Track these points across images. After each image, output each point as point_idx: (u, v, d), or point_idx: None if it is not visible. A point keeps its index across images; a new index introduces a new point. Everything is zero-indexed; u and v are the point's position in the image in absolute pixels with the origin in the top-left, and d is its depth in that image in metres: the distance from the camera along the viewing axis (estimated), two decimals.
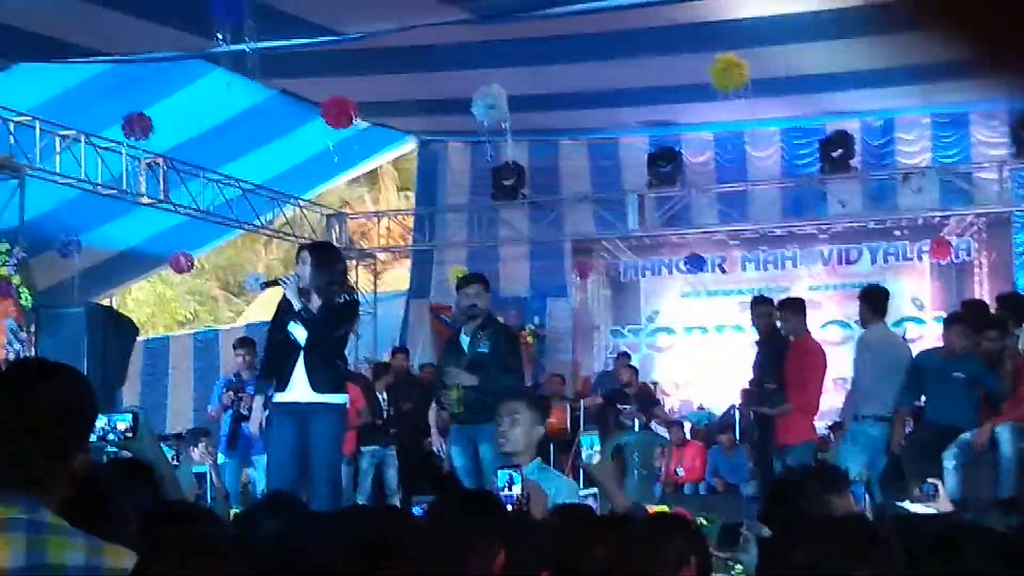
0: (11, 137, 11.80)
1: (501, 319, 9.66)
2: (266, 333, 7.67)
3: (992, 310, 9.67)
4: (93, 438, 3.60)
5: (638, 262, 17.30)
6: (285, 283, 7.42)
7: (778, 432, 9.51)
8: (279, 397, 7.29)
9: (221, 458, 10.82)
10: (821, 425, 11.93)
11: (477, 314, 8.12)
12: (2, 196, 11.83)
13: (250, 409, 8.14)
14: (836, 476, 3.92)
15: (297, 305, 7.18)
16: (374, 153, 16.87)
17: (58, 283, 13.74)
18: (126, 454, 3.91)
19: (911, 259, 15.90)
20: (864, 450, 8.98)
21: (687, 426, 14.94)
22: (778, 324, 9.90)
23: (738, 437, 13.40)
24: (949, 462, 8.38)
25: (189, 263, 15.65)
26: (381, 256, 18.79)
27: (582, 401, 14.31)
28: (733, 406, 13.98)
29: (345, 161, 15.41)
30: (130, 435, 3.82)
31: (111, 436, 3.77)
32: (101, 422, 3.72)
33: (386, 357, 14.87)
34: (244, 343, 11.55)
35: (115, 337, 11.83)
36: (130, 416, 3.85)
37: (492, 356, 7.98)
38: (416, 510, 4.21)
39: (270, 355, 7.54)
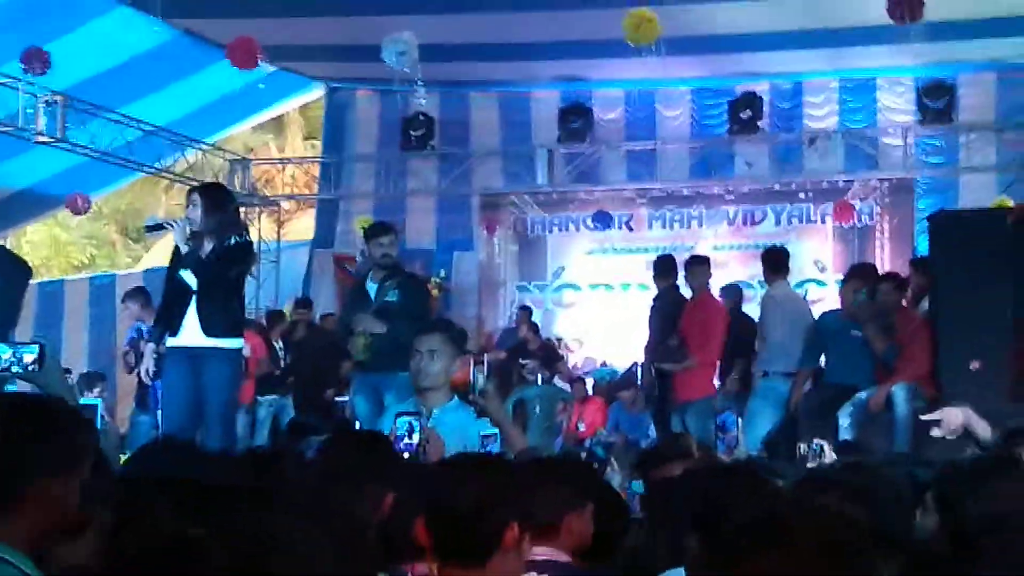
0: None
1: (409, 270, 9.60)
2: (163, 280, 7.52)
3: (906, 274, 9.81)
4: None
5: (546, 218, 17.28)
6: (171, 226, 7.27)
7: (677, 388, 9.58)
8: (172, 342, 7.15)
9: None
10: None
11: (388, 264, 8.05)
12: None
13: None
14: (680, 444, 4.47)
15: (184, 248, 7.05)
16: (280, 99, 16.58)
17: None
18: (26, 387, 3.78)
19: (814, 221, 16.09)
20: (774, 406, 9.09)
21: (589, 382, 14.98)
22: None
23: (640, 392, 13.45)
24: (844, 420, 8.50)
25: (86, 205, 15.27)
26: (285, 204, 18.51)
27: (485, 355, 14.26)
28: (636, 363, 14.02)
29: (250, 106, 15.14)
30: (36, 367, 3.68)
31: (15, 368, 3.63)
32: (6, 353, 3.59)
33: (287, 306, 14.70)
34: (133, 294, 11.30)
35: (7, 277, 11.48)
36: (36, 348, 3.71)
37: (401, 305, 7.92)
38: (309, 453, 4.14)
39: (165, 301, 7.39)
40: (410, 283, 8.26)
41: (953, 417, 5.86)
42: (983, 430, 5.67)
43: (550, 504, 3.05)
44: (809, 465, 5.57)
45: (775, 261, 9.71)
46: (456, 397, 5.46)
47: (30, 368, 3.65)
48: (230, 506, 2.38)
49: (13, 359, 3.57)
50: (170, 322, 7.15)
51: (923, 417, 6.69)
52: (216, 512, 1.86)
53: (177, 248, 7.18)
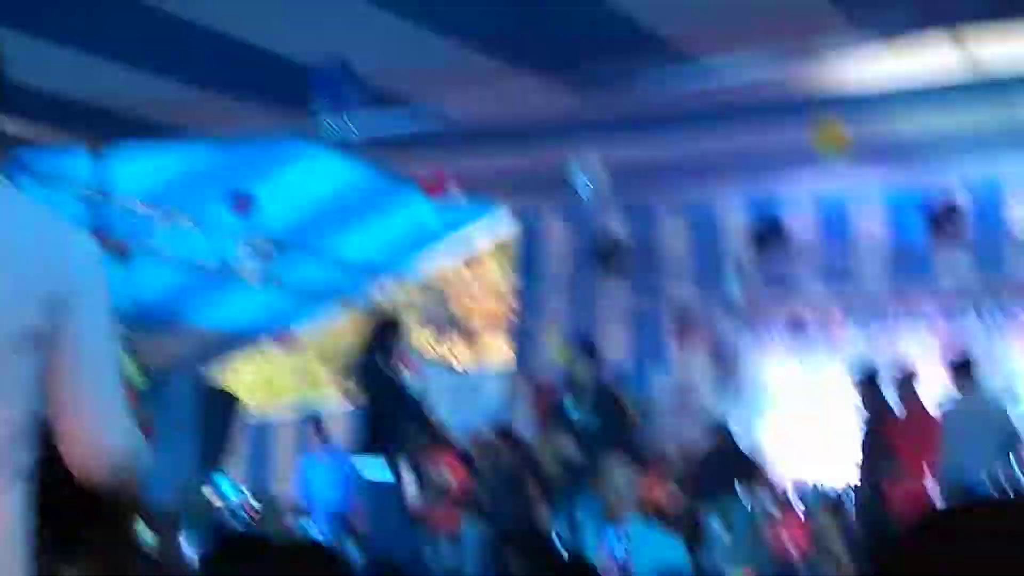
0: (119, 219, 12.04)
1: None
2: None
3: None
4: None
5: (740, 331, 17.06)
6: None
7: (896, 504, 9.29)
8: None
9: None
10: None
11: (587, 383, 8.10)
12: (112, 279, 12.02)
13: None
14: None
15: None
16: (473, 229, 16.95)
17: (166, 363, 13.95)
18: None
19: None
20: None
21: (795, 501, 14.53)
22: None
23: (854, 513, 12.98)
24: None
25: (294, 341, 15.80)
26: (482, 331, 18.80)
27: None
28: (848, 484, 13.53)
29: (444, 237, 15.51)
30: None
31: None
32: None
33: (488, 432, 14.81)
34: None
35: (214, 411, 11.97)
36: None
37: (601, 425, 7.93)
38: None
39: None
40: (609, 402, 8.27)
41: None
42: None
43: None
44: None
45: (961, 372, 9.51)
46: (639, 513, 5.41)
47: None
48: None
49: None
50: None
51: None
52: None
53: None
